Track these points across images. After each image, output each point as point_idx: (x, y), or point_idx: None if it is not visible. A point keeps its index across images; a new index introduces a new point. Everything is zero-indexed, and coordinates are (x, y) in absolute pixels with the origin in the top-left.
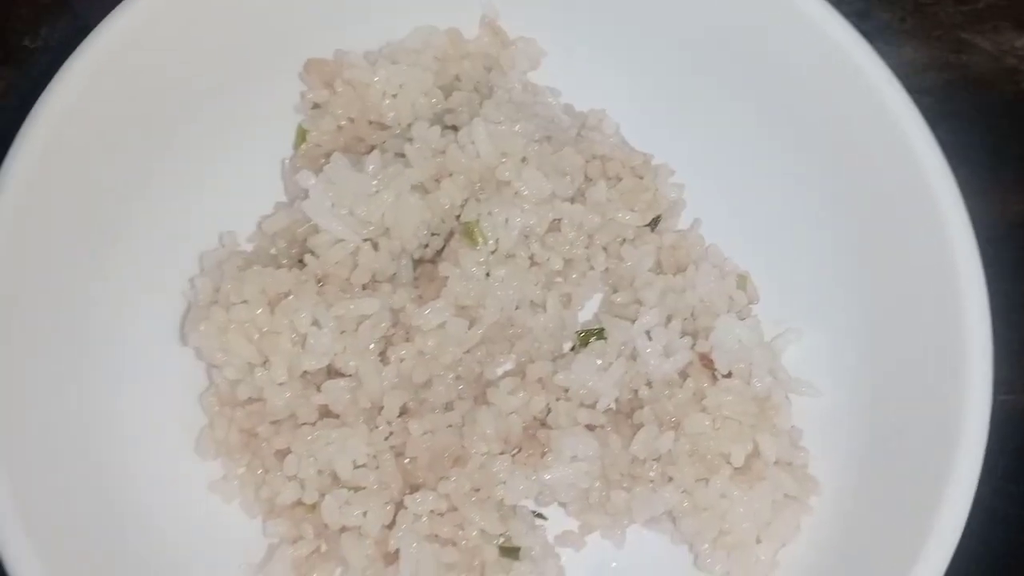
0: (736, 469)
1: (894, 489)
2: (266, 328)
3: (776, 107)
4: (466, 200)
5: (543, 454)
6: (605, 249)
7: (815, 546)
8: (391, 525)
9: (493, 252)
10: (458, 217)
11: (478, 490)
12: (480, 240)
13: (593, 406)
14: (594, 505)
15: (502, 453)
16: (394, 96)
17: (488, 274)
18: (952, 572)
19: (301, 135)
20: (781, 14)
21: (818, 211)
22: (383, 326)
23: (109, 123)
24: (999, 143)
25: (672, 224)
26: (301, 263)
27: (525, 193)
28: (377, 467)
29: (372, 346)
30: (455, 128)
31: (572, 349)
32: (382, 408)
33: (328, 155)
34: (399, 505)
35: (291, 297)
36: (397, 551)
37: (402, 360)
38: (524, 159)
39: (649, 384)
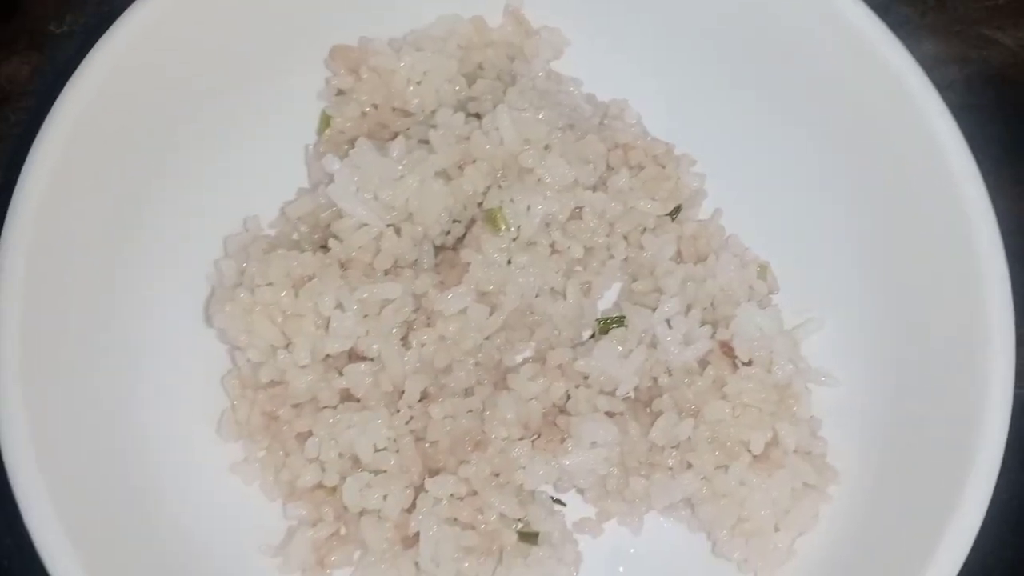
0: (755, 457)
1: (913, 480)
2: (290, 311)
3: (799, 98)
4: (489, 187)
5: (562, 440)
6: (626, 238)
7: (833, 536)
8: (410, 509)
9: (515, 239)
10: (480, 204)
11: (498, 475)
12: (502, 226)
13: (612, 393)
14: (612, 492)
15: (522, 439)
16: (418, 83)
17: (510, 261)
18: (969, 566)
19: (325, 121)
20: (804, 4)
21: (839, 202)
22: (405, 310)
23: (134, 108)
24: (1019, 137)
25: (693, 214)
26: (323, 248)
27: (548, 180)
28: (397, 451)
29: (394, 330)
30: (478, 116)
31: (591, 338)
32: (403, 392)
33: (352, 141)
34: (419, 489)
35: (315, 280)
36: (416, 534)
37: (423, 345)
38: (547, 146)
39: (669, 372)
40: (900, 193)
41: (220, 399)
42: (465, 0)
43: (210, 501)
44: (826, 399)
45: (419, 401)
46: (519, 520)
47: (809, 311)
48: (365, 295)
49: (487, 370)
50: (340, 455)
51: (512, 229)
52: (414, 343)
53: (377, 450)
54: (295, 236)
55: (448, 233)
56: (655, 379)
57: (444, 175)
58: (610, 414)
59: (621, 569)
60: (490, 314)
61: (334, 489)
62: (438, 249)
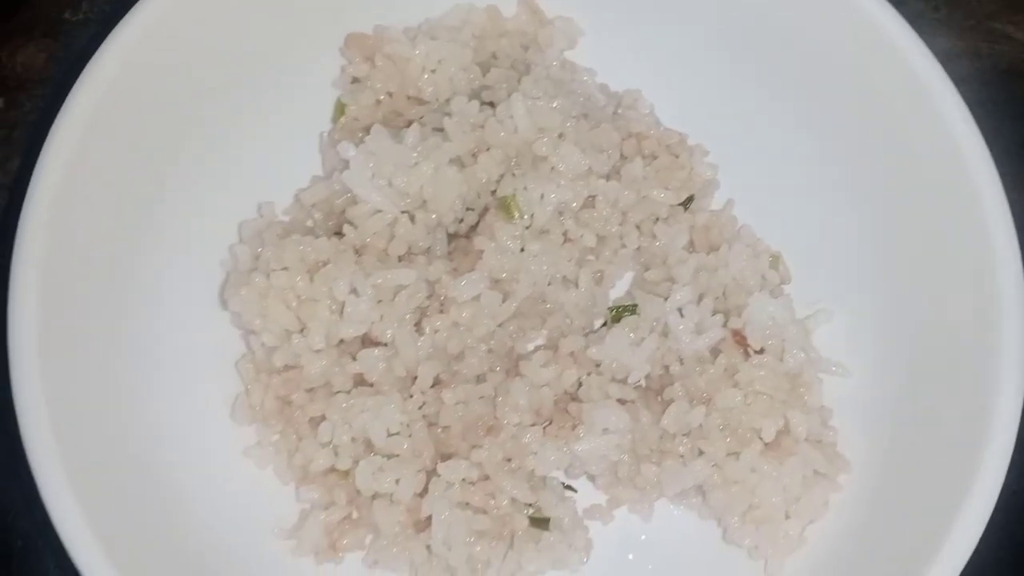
0: (767, 445)
1: (923, 471)
2: (304, 295)
3: (812, 89)
4: (503, 175)
5: (574, 427)
6: (638, 227)
7: (843, 524)
8: (423, 493)
9: (528, 227)
10: (494, 192)
11: (510, 460)
12: (516, 214)
13: (624, 381)
14: (623, 479)
15: (534, 425)
16: (433, 71)
17: (523, 248)
18: (978, 556)
19: (340, 109)
20: None
21: (852, 193)
22: (419, 296)
23: (150, 95)
24: None
25: (706, 204)
26: (337, 235)
27: (561, 169)
28: (410, 435)
29: (408, 316)
30: (492, 104)
31: (603, 326)
32: (416, 378)
33: (366, 129)
34: (431, 473)
35: (330, 265)
36: (428, 518)
37: (436, 331)
38: (561, 135)
39: (680, 361)
40: (914, 185)
41: (234, 383)
42: None
43: (224, 484)
44: (837, 389)
45: (432, 387)
46: (530, 505)
47: (821, 301)
48: (379, 281)
49: (499, 357)
50: (353, 439)
51: (525, 217)
52: (427, 329)
53: (390, 435)
54: (309, 223)
55: (462, 220)
56: (667, 367)
57: (458, 162)
58: (622, 401)
59: (631, 556)
60: (503, 301)
61: (347, 473)
62: (452, 236)
